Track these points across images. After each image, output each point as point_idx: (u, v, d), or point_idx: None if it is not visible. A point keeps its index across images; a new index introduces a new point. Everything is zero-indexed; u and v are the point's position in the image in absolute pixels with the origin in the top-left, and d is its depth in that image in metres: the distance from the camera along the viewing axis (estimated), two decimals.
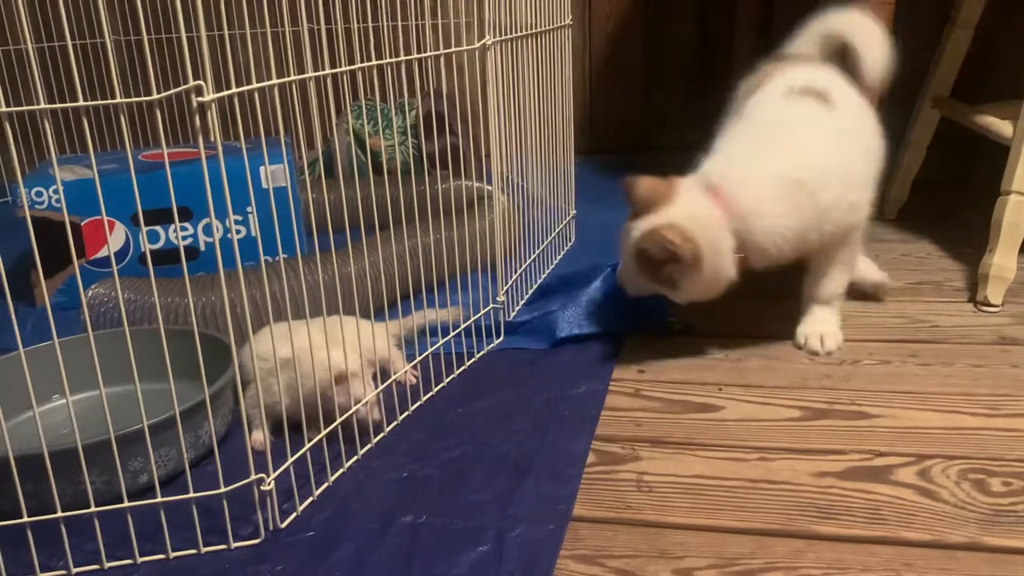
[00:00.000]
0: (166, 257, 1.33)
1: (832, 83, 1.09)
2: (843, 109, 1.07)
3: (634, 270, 1.05)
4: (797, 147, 1.04)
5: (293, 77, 0.75)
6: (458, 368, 1.07)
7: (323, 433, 0.83)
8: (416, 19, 0.95)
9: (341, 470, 0.85)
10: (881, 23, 1.16)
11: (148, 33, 0.66)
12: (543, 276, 1.31)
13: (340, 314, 0.97)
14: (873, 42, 1.12)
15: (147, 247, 0.74)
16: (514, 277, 1.21)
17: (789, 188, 1.00)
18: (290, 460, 0.78)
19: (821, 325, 1.11)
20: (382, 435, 0.92)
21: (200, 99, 0.65)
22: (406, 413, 0.96)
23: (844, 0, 1.30)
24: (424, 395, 1.00)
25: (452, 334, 1.04)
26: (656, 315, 1.16)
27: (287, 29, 0.72)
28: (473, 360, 1.09)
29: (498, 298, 1.15)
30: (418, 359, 1.02)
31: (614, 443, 0.89)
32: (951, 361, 1.04)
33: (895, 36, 1.14)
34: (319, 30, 0.80)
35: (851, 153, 1.05)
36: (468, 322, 1.10)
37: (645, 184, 1.03)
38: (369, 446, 0.89)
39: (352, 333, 0.89)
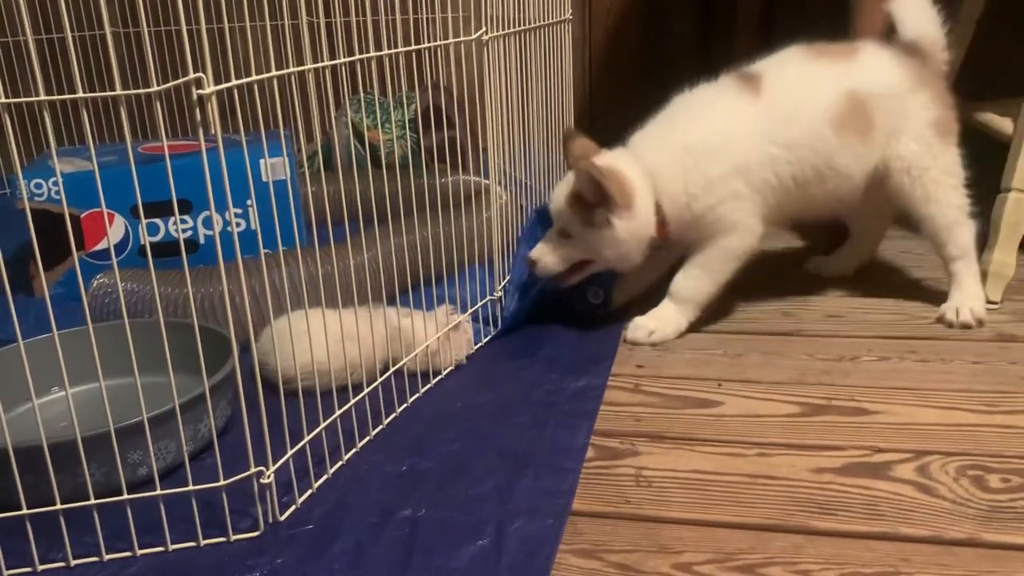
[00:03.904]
0: (165, 250, 1.32)
1: (783, 69, 1.10)
2: (771, 93, 1.08)
3: (566, 217, 1.08)
4: (691, 119, 1.11)
5: (293, 69, 0.75)
6: (447, 368, 1.06)
7: (323, 425, 0.83)
8: (414, 12, 0.94)
9: (340, 463, 0.85)
10: (883, 24, 1.16)
11: (148, 25, 0.65)
12: None
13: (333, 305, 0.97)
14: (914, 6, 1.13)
15: (147, 240, 0.74)
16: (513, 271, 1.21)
17: (678, 152, 1.07)
18: (290, 453, 0.78)
19: (652, 320, 1.12)
20: (381, 427, 0.92)
21: (200, 91, 0.65)
22: (404, 406, 0.96)
23: (844, 0, 1.30)
24: (422, 388, 1.00)
25: (449, 326, 1.04)
26: (575, 288, 1.16)
27: (287, 22, 0.72)
28: (472, 352, 1.09)
29: (495, 292, 1.15)
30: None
31: (613, 438, 0.89)
32: (950, 358, 1.04)
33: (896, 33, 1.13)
34: (318, 23, 0.79)
35: (751, 138, 1.07)
36: (465, 315, 1.10)
37: (581, 140, 1.13)
38: (368, 439, 0.90)
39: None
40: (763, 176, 1.07)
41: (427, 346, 1.01)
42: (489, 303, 1.15)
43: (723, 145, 1.07)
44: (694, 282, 1.12)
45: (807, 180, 1.08)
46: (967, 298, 1.13)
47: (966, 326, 1.11)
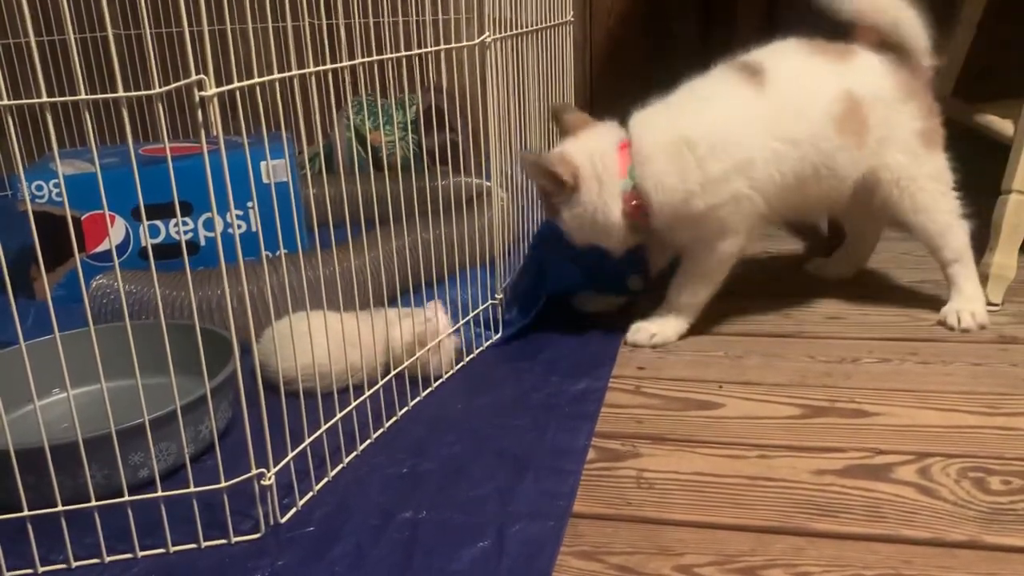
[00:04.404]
0: (166, 252, 1.32)
1: (787, 62, 1.08)
2: (776, 88, 1.06)
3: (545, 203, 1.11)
4: (695, 111, 1.08)
5: (294, 72, 0.75)
6: (458, 364, 1.07)
7: (324, 428, 0.83)
8: (416, 15, 0.95)
9: (341, 465, 0.85)
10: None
11: (149, 27, 0.66)
12: None
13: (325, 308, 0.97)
14: (908, 16, 1.10)
15: (148, 241, 0.74)
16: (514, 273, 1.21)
17: (678, 144, 1.04)
18: (291, 455, 0.78)
19: (653, 323, 1.13)
20: (382, 430, 0.92)
21: (202, 93, 0.65)
22: (405, 408, 0.96)
23: None
24: (423, 391, 1.00)
25: (451, 330, 1.04)
26: (614, 277, 1.17)
27: (288, 24, 0.72)
28: (473, 356, 1.09)
29: (496, 294, 1.15)
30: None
31: (614, 440, 0.89)
32: (951, 360, 1.04)
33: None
34: (318, 25, 0.80)
35: (756, 134, 1.04)
36: (467, 318, 1.10)
37: (570, 116, 1.12)
38: (369, 441, 0.89)
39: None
40: (767, 172, 1.05)
41: (416, 357, 1.00)
42: (490, 307, 1.15)
43: (726, 141, 1.04)
44: (689, 290, 1.12)
45: (806, 177, 1.06)
46: (967, 302, 1.13)
47: (966, 331, 1.11)
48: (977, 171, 1.12)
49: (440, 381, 1.03)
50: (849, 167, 1.08)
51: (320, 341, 0.85)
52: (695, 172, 1.04)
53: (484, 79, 1.07)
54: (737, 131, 1.05)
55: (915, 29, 1.09)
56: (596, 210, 1.06)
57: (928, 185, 1.11)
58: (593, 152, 1.06)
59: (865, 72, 1.09)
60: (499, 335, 1.14)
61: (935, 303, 1.17)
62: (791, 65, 1.09)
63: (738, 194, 1.05)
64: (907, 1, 1.08)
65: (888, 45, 1.10)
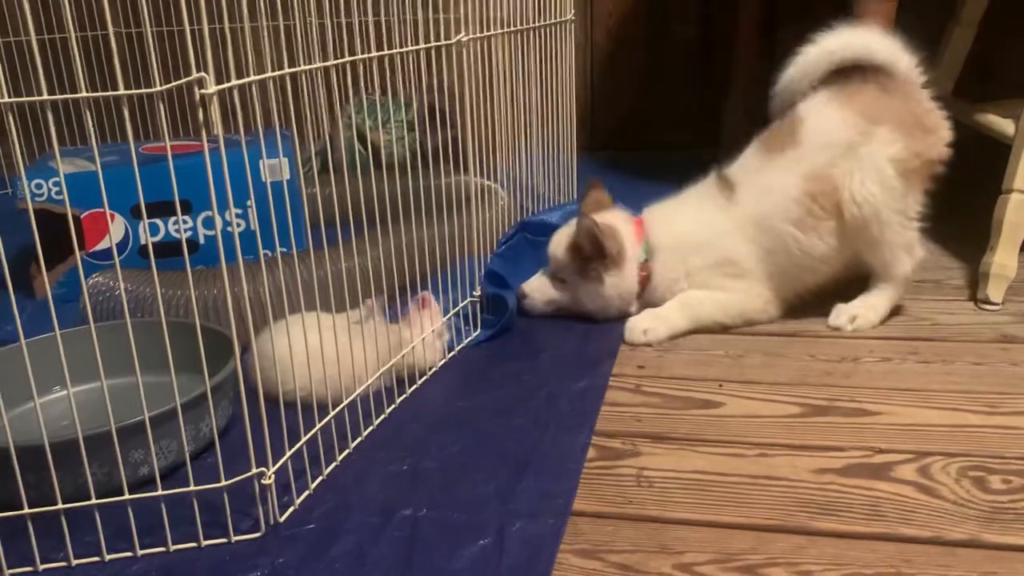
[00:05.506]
0: (165, 250, 1.32)
1: (750, 175, 1.14)
2: (743, 202, 1.13)
3: (562, 264, 1.16)
4: (678, 217, 1.19)
5: (295, 68, 0.75)
6: (440, 362, 1.07)
7: (319, 426, 0.83)
8: (413, 12, 0.95)
9: (334, 463, 0.85)
10: (884, 24, 1.16)
11: (150, 25, 0.66)
12: None
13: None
14: (897, 52, 1.10)
15: (148, 240, 0.74)
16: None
17: (678, 244, 1.17)
18: (288, 453, 0.78)
19: (646, 319, 1.14)
20: (371, 428, 0.92)
21: (203, 91, 0.65)
22: (393, 405, 0.96)
23: (847, 1, 1.30)
24: (409, 387, 1.00)
25: (432, 328, 1.04)
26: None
27: (291, 22, 0.72)
28: (454, 353, 1.09)
29: (474, 291, 1.15)
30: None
31: (614, 438, 0.89)
32: (951, 359, 1.04)
33: (897, 35, 1.13)
34: (311, 23, 0.80)
35: (719, 234, 1.14)
36: (448, 316, 1.09)
37: (597, 193, 1.23)
38: (359, 439, 0.89)
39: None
40: (751, 265, 1.13)
41: (408, 350, 1.00)
42: (469, 304, 1.15)
43: (707, 241, 1.15)
44: (706, 298, 1.14)
45: (798, 270, 1.13)
46: (863, 308, 1.14)
47: (835, 328, 1.13)
48: (977, 171, 1.12)
49: (424, 379, 1.02)
50: (835, 245, 1.11)
51: (316, 356, 0.83)
52: (690, 264, 1.15)
53: (461, 78, 1.08)
54: (714, 235, 1.15)
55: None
56: (626, 287, 1.15)
57: (892, 217, 1.09)
58: (625, 231, 1.16)
59: (815, 141, 1.10)
60: (478, 333, 1.14)
61: (936, 304, 1.17)
62: (753, 180, 1.14)
63: (716, 261, 1.14)
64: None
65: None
